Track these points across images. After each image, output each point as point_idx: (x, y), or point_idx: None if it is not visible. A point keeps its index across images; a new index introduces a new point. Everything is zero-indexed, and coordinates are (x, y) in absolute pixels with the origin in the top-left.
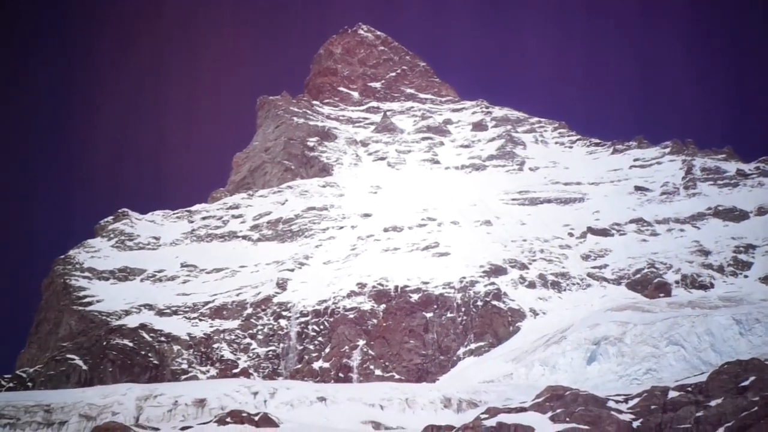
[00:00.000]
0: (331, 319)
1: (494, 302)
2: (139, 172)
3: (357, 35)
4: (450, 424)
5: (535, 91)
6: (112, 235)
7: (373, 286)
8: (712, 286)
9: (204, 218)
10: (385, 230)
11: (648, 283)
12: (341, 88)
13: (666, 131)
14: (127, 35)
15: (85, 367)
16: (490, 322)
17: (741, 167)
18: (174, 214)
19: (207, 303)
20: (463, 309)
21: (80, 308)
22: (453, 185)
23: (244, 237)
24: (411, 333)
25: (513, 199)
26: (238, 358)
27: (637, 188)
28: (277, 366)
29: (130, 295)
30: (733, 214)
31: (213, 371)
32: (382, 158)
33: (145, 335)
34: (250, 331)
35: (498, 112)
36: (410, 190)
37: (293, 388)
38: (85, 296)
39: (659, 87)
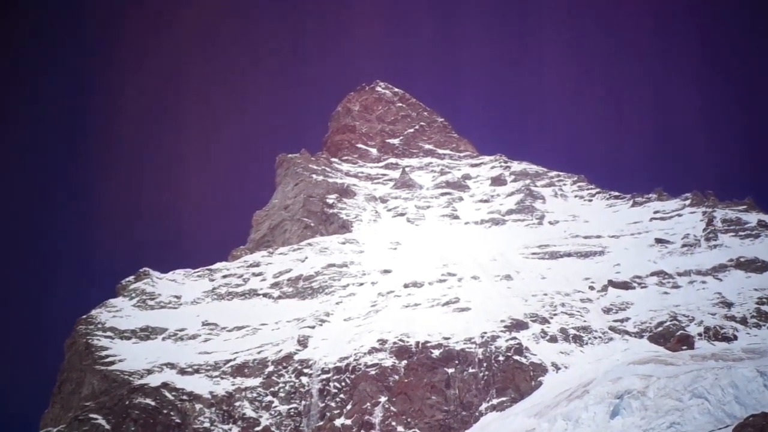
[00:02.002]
0: (353, 376)
1: (516, 357)
2: (159, 231)
3: (374, 92)
4: None
5: (554, 145)
6: (133, 295)
7: (394, 342)
8: (735, 338)
9: (225, 276)
10: (406, 286)
11: (670, 336)
12: (360, 145)
13: (685, 183)
14: (145, 91)
15: (108, 427)
16: (512, 376)
17: (762, 218)
18: (195, 272)
19: (228, 361)
20: (484, 364)
21: (103, 368)
22: (473, 240)
23: (265, 295)
24: (433, 389)
25: (533, 254)
26: (260, 416)
27: (658, 241)
28: (299, 423)
29: (152, 354)
30: (755, 266)
31: (235, 429)
32: (402, 214)
33: (167, 394)
34: (272, 389)
35: (517, 166)
36: (430, 245)
37: None
38: (108, 356)
39: (678, 139)
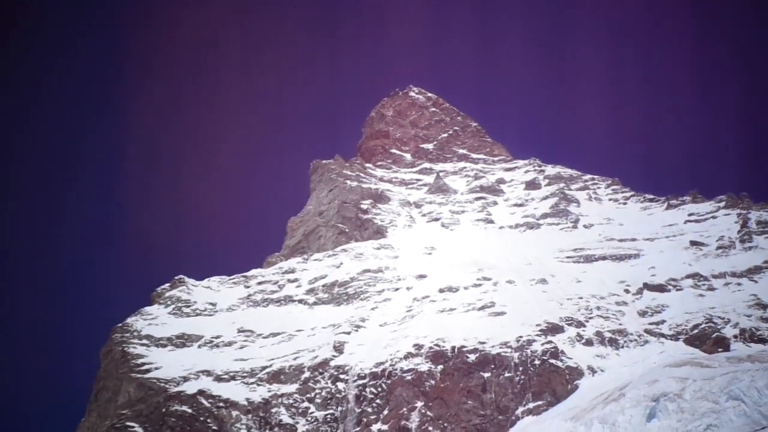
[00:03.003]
0: (389, 381)
1: (552, 361)
2: (194, 238)
3: (408, 97)
4: None
5: (588, 148)
6: (169, 302)
7: (430, 347)
8: None
9: (260, 283)
10: (441, 291)
11: (706, 338)
12: (394, 150)
13: (720, 185)
14: (181, 98)
15: None
16: (548, 380)
17: None
18: (230, 279)
19: (264, 368)
20: (520, 368)
21: (139, 375)
22: (507, 244)
23: (300, 301)
24: (469, 393)
25: (568, 257)
26: (297, 423)
27: (693, 243)
28: (336, 429)
29: (188, 362)
30: None
31: None
32: (436, 219)
33: (203, 401)
34: (308, 395)
35: (551, 170)
36: (465, 250)
37: None
38: (144, 363)
39: (713, 141)
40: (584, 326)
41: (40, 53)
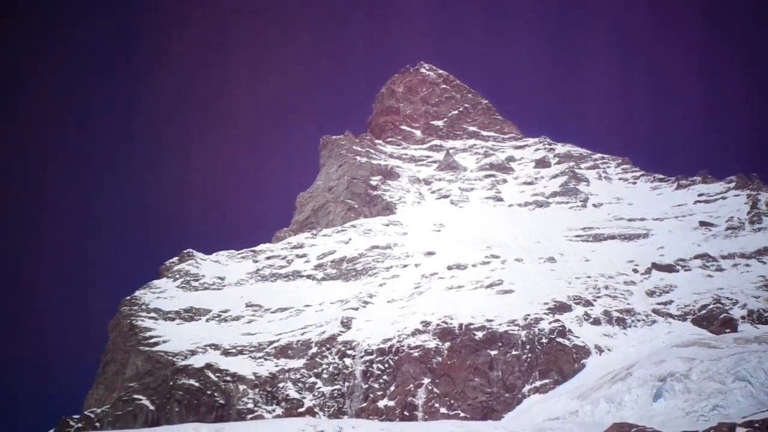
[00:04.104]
0: (396, 358)
1: (559, 339)
2: (203, 212)
3: (419, 74)
4: None
5: (598, 127)
6: (177, 276)
7: (438, 324)
8: None
9: (268, 258)
10: (449, 268)
11: (714, 319)
12: (404, 127)
13: (730, 166)
14: (191, 72)
15: (152, 408)
16: (555, 359)
17: None
18: (239, 254)
19: (272, 342)
20: (527, 346)
21: (146, 349)
22: (516, 222)
23: (309, 276)
24: (476, 371)
25: (577, 236)
26: (304, 397)
27: (702, 223)
28: (342, 405)
29: (195, 336)
30: None
31: (279, 410)
32: (445, 196)
33: (211, 375)
34: (315, 370)
35: (561, 148)
36: (473, 227)
37: (359, 427)
38: (151, 337)
39: (723, 122)
40: (592, 305)
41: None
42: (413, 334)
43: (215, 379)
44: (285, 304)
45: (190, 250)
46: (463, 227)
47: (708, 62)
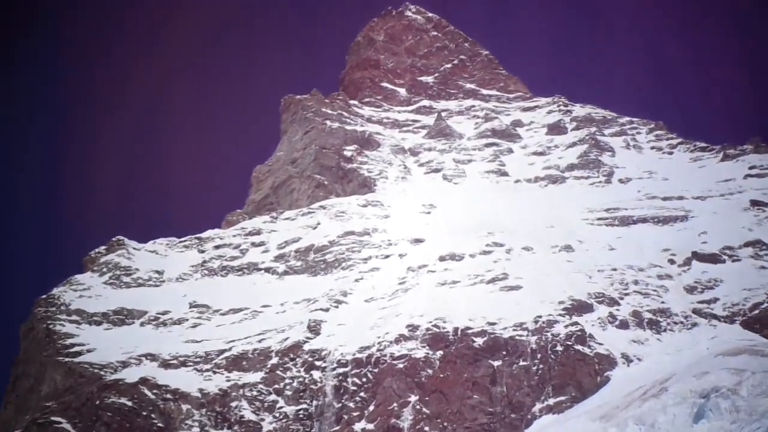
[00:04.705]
0: (376, 370)
1: (577, 347)
2: (137, 191)
3: (403, 18)
4: None
5: (625, 84)
6: (104, 270)
7: (427, 329)
8: None
9: (217, 247)
10: (442, 259)
11: None
12: (385, 84)
13: None
14: (127, 24)
15: None
16: (572, 371)
17: None
18: (181, 242)
19: (222, 352)
20: (539, 355)
21: (67, 360)
22: (524, 202)
23: (267, 270)
24: (475, 386)
25: (599, 219)
26: (262, 419)
27: (754, 203)
28: (310, 428)
29: (127, 343)
30: None
31: None
32: (437, 170)
33: (146, 392)
34: (276, 386)
35: (579, 110)
36: (472, 208)
37: None
38: (73, 345)
39: None
40: (618, 304)
41: None
42: (397, 340)
43: (152, 397)
44: (238, 304)
45: (121, 237)
46: (458, 209)
47: (756, 5)
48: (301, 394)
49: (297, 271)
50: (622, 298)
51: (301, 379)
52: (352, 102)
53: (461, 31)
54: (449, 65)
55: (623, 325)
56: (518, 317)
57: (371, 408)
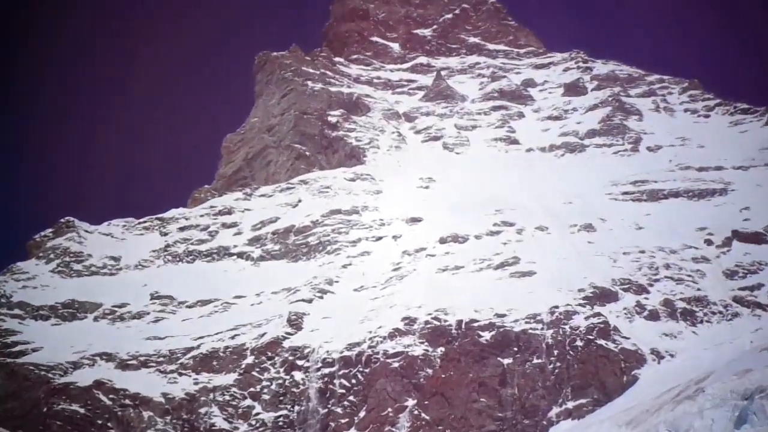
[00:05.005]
0: (367, 370)
1: (600, 341)
2: (89, 165)
3: None
4: None
5: (654, 38)
6: (52, 256)
7: (426, 322)
8: None
9: (182, 229)
10: (442, 241)
11: None
12: (375, 39)
13: None
14: None
15: None
16: (594, 370)
17: None
18: (140, 223)
19: (189, 350)
20: (555, 352)
21: (9, 360)
22: (538, 175)
23: (241, 255)
24: (482, 387)
25: (625, 193)
26: (236, 428)
27: None
28: None
29: (79, 341)
30: None
31: None
32: (436, 138)
33: (102, 397)
34: (252, 390)
35: (601, 67)
36: (476, 182)
37: None
38: (16, 343)
39: None
40: (647, 292)
41: None
42: (391, 336)
43: (108, 403)
44: (207, 294)
45: (71, 218)
46: (461, 182)
47: None
48: (281, 398)
49: (275, 257)
50: (651, 285)
51: (280, 382)
52: (337, 59)
53: None
54: (450, 15)
55: (653, 316)
56: (531, 308)
57: (362, 414)
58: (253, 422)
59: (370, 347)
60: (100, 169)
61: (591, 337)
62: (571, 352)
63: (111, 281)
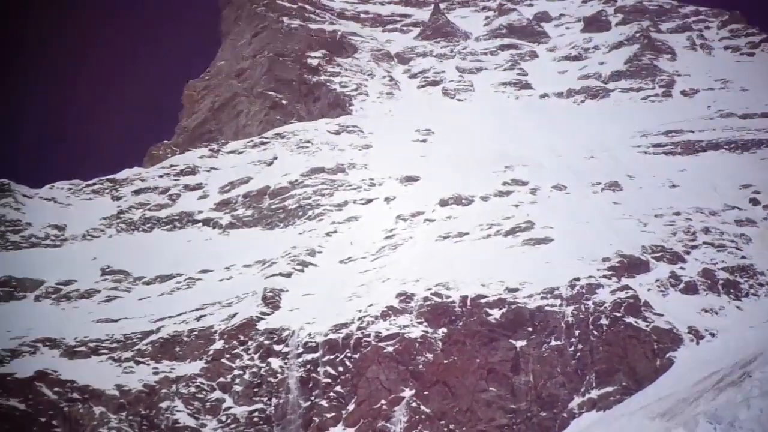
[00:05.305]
0: (356, 356)
1: (629, 319)
2: (28, 118)
3: None
4: None
5: None
6: None
7: (426, 299)
8: None
9: (138, 192)
10: (443, 204)
11: None
12: None
13: None
14: None
15: None
16: (622, 352)
17: None
18: (88, 186)
19: (148, 334)
20: (577, 332)
21: None
22: (554, 125)
23: (207, 222)
24: (491, 375)
25: (656, 146)
26: (203, 425)
27: None
28: None
29: (18, 325)
30: None
31: None
32: (435, 83)
33: (45, 390)
34: (222, 380)
35: None
36: (482, 135)
37: None
38: None
39: None
40: (683, 261)
41: None
42: (384, 315)
43: (53, 396)
44: (168, 269)
45: (6, 180)
46: (464, 135)
47: None
48: (256, 390)
49: (247, 223)
50: (688, 253)
51: (254, 370)
52: None
53: None
54: None
55: (690, 288)
56: (548, 281)
57: (351, 407)
58: (224, 418)
59: (359, 329)
60: (41, 123)
61: (618, 314)
62: (595, 332)
63: (55, 254)
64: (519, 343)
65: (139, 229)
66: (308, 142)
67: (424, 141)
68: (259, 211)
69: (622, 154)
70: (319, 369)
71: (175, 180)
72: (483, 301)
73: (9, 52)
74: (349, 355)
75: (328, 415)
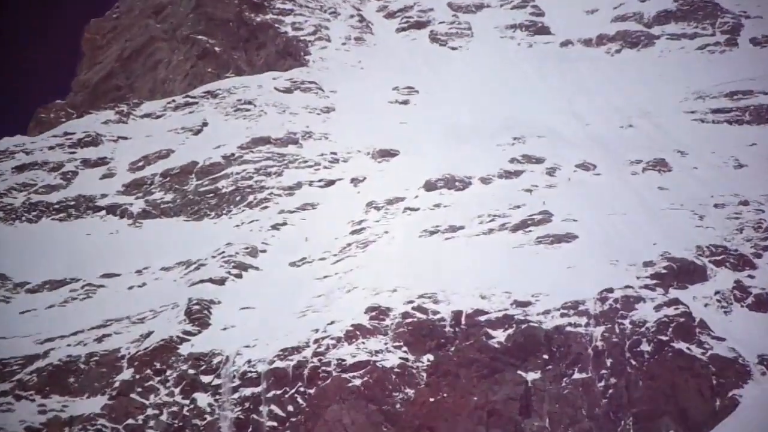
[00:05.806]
0: (312, 391)
1: (679, 345)
2: None
3: None
4: None
5: None
6: None
7: (405, 315)
8: None
9: (20, 169)
10: (430, 187)
11: None
12: None
13: None
14: None
15: None
16: (670, 389)
17: None
18: None
19: (33, 359)
20: (608, 361)
21: None
22: (579, 82)
23: (112, 209)
24: (492, 418)
25: (716, 111)
26: None
27: None
28: None
29: None
30: None
31: None
32: (419, 24)
33: None
34: (131, 421)
35: None
36: (483, 94)
37: None
38: None
39: None
40: (752, 267)
41: None
42: (349, 337)
43: None
44: (60, 272)
45: None
46: (458, 95)
47: None
48: None
49: (166, 212)
50: (759, 256)
51: (175, 409)
52: None
53: None
54: None
55: (762, 304)
56: (571, 292)
57: None
58: None
59: (316, 355)
60: None
61: (664, 337)
62: (634, 362)
63: None
64: (531, 376)
65: (22, 218)
66: (249, 102)
67: (405, 103)
68: (183, 195)
69: (671, 123)
70: (261, 408)
71: (71, 153)
72: (482, 318)
73: None
74: (302, 389)
75: None
